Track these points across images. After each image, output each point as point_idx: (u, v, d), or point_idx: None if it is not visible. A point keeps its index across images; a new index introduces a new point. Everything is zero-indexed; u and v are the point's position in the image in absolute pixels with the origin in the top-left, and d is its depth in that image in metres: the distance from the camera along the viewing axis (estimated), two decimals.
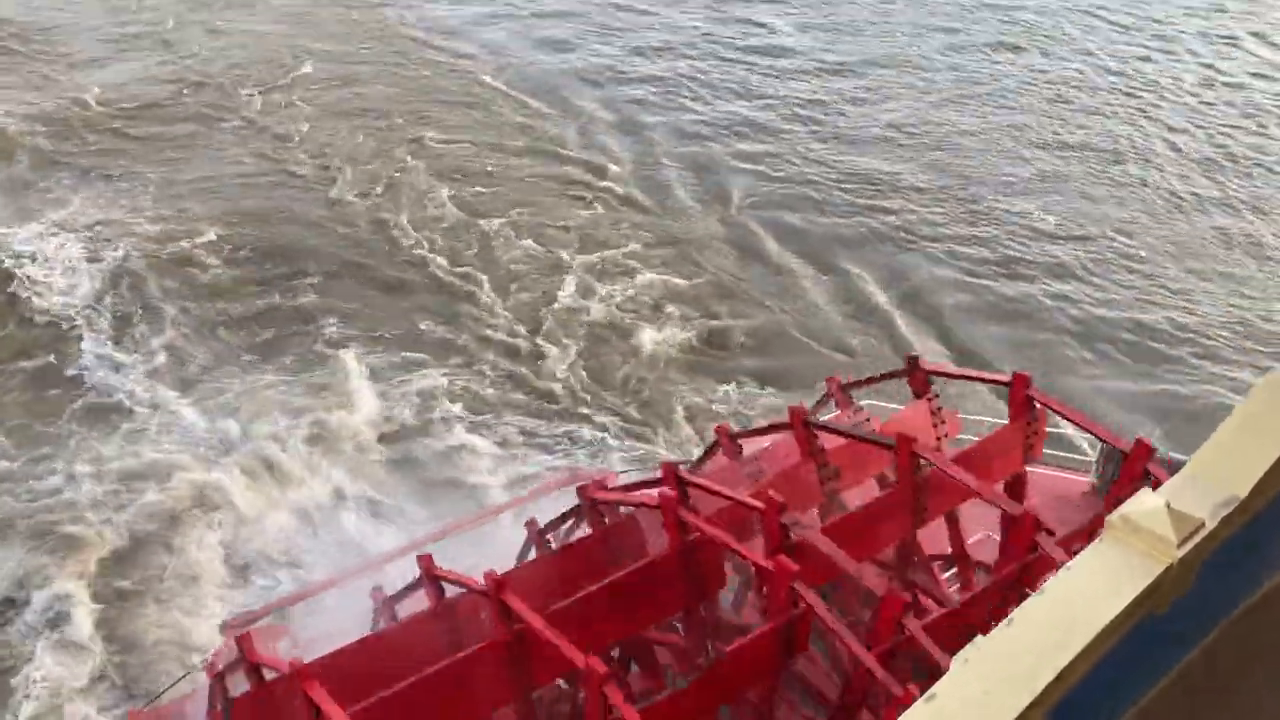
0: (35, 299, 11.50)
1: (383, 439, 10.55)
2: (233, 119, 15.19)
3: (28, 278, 11.87)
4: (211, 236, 12.40)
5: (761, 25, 19.20)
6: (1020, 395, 7.10)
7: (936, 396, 7.32)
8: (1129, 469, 6.47)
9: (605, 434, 10.41)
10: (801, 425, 7.01)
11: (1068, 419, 7.22)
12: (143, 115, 14.80)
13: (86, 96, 15.15)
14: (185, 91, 15.75)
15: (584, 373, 11.09)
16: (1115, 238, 14.40)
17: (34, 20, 17.32)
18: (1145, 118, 17.59)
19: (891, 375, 7.78)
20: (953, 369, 8.44)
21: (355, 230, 12.90)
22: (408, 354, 11.10)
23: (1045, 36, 20.42)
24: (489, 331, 11.52)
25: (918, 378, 7.53)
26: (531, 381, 10.91)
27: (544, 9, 20.03)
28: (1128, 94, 18.28)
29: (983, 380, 8.11)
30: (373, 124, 15.07)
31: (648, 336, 11.69)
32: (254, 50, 17.24)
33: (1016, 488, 7.11)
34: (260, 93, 16.01)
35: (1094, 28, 20.86)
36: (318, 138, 14.59)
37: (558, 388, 10.82)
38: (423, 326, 11.57)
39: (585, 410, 10.65)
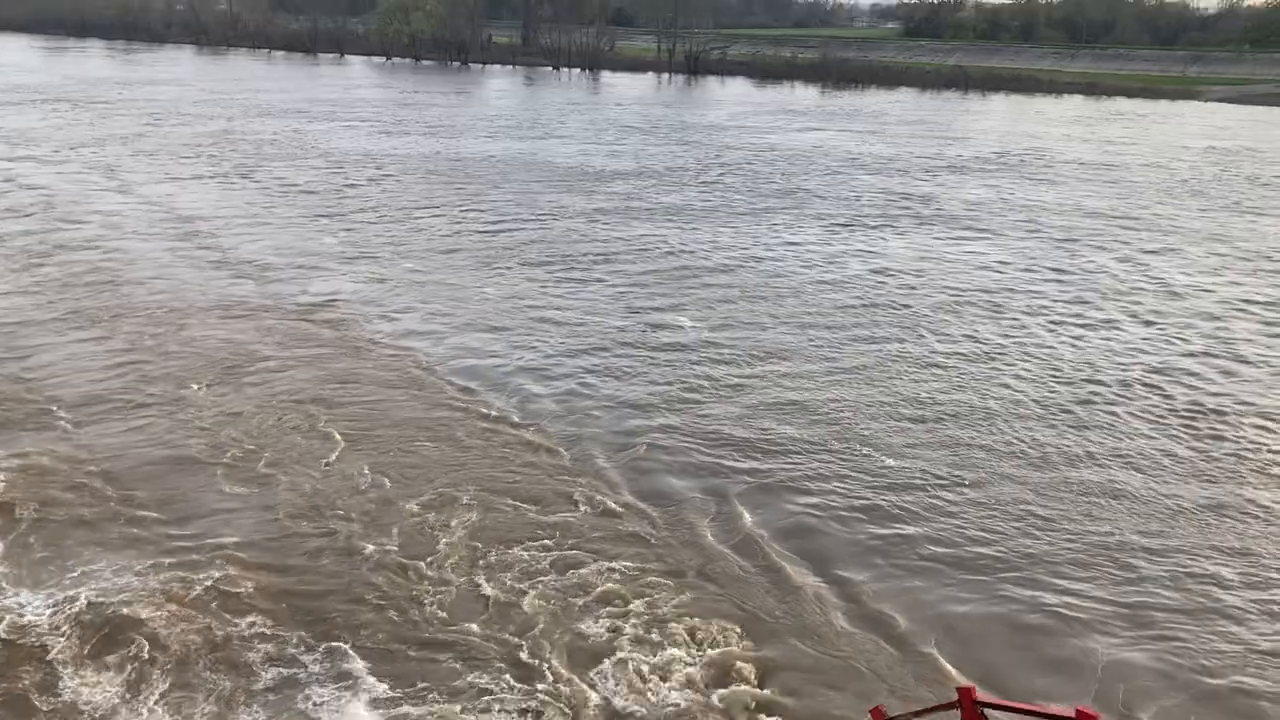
0: (53, 671, 11.33)
1: None
2: (234, 468, 15.72)
3: (41, 642, 11.66)
4: (223, 592, 12.61)
5: (676, 327, 22.61)
6: None
7: None
8: None
9: None
10: None
11: None
12: (147, 471, 15.30)
13: (84, 455, 15.64)
14: (192, 444, 16.34)
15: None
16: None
17: (32, 369, 19.14)
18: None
19: (941, 707, 7.40)
20: (1009, 702, 7.80)
21: (369, 575, 13.11)
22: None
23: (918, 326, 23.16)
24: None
25: (969, 710, 7.12)
26: None
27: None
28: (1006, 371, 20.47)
29: (1043, 715, 7.45)
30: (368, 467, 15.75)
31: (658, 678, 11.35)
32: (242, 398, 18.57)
33: None
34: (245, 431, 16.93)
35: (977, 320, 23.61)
36: (329, 491, 15.09)
37: None
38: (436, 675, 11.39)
39: None
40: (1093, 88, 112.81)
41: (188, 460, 15.77)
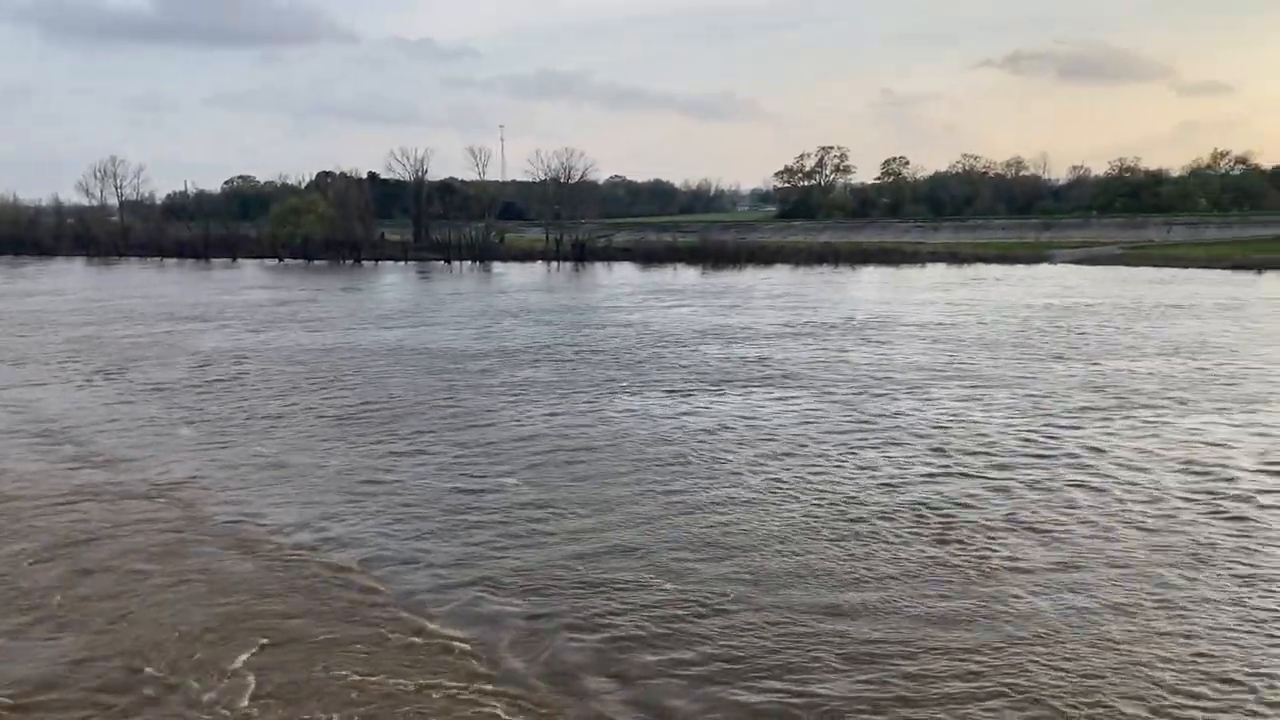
0: None
1: None
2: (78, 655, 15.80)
3: None
4: None
5: (500, 489, 24.28)
6: None
7: None
8: None
9: None
10: None
11: None
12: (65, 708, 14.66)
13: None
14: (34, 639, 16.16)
15: None
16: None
17: None
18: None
19: None
20: None
21: None
22: None
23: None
24: None
25: None
26: None
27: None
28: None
29: None
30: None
31: None
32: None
33: None
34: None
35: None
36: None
37: None
38: None
39: None
40: (954, 256, 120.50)
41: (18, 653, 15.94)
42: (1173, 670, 14.42)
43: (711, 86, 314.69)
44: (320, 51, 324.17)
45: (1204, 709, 13.36)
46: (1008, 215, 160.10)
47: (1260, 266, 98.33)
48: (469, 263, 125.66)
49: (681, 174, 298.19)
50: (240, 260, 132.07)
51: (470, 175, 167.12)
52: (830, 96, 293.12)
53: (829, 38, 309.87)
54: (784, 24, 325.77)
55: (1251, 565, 18.52)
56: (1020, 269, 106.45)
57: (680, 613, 16.95)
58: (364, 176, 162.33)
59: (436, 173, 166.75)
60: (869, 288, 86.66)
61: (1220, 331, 52.06)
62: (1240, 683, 14.00)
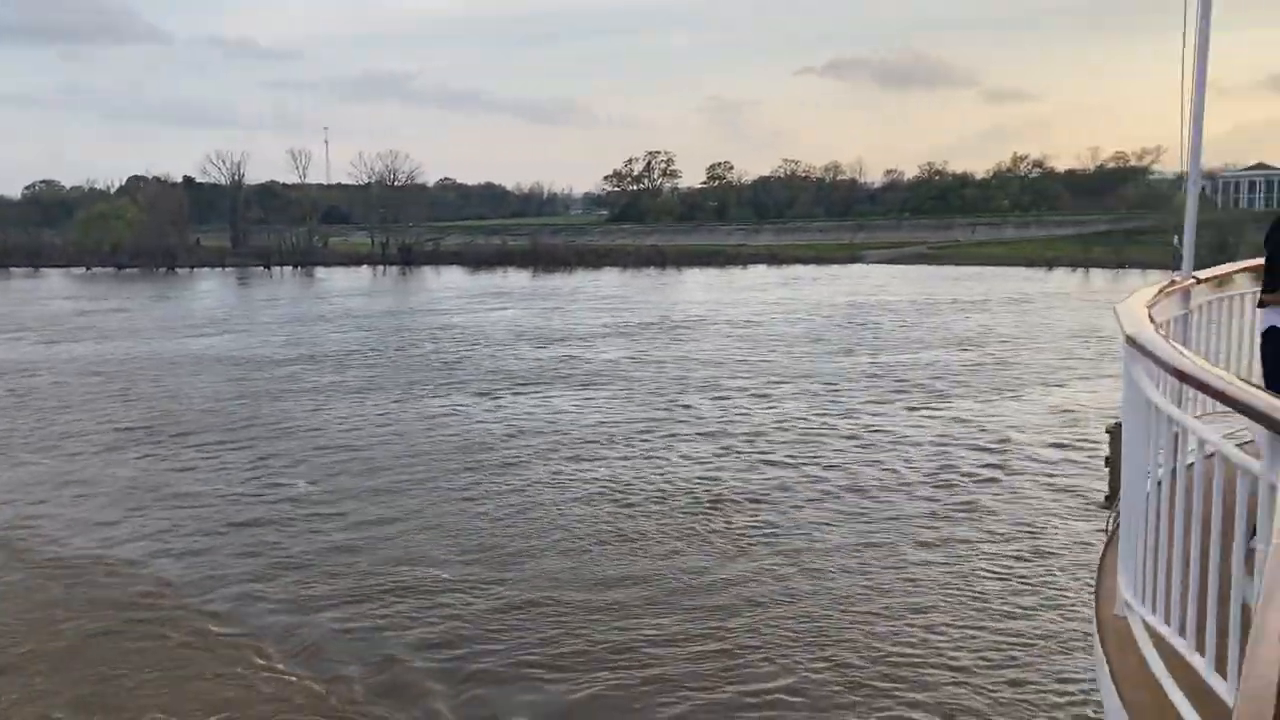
0: None
1: None
2: None
3: None
4: None
5: (295, 497, 24.39)
6: None
7: None
8: None
9: None
10: None
11: None
12: None
13: None
14: None
15: None
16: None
17: None
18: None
19: None
20: None
21: None
22: None
23: None
24: None
25: None
26: None
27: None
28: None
29: None
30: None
31: None
32: None
33: None
34: None
35: None
36: None
37: None
38: None
39: None
40: (774, 257, 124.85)
41: None
42: (890, 631, 16.00)
43: (545, 90, 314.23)
44: (130, 50, 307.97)
45: (910, 660, 14.93)
46: (826, 218, 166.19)
47: (1051, 263, 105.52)
48: (290, 268, 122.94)
49: (514, 177, 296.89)
50: (43, 270, 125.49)
51: (292, 179, 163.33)
52: (661, 102, 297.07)
53: (661, 45, 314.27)
54: (615, 30, 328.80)
55: (986, 532, 20.47)
56: (834, 269, 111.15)
57: (462, 613, 17.57)
58: (178, 181, 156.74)
59: (257, 176, 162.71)
60: (691, 289, 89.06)
61: (1005, 324, 55.98)
62: (940, 649, 15.67)
